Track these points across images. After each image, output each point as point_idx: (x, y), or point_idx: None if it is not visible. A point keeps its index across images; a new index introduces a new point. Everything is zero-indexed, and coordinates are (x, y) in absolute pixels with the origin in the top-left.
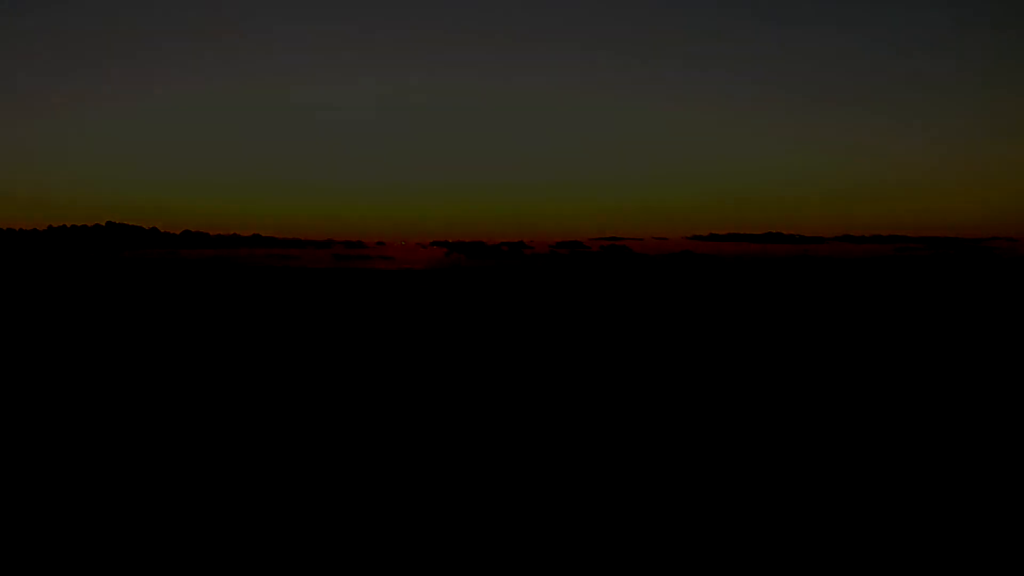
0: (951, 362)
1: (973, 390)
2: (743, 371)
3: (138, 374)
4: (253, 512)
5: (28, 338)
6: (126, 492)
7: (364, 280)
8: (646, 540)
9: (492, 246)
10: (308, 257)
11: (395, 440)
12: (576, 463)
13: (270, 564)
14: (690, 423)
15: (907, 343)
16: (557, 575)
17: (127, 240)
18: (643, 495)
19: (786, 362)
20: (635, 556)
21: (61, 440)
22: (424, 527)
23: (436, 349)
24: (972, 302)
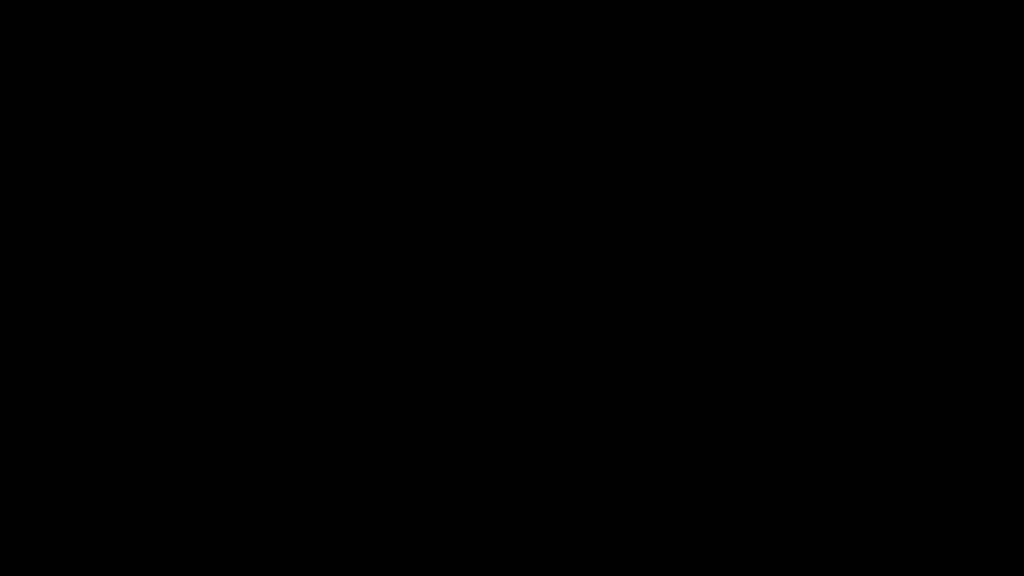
0: (951, 360)
1: (971, 386)
2: (743, 369)
3: (139, 372)
4: (251, 508)
5: (29, 337)
6: (129, 488)
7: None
8: (645, 539)
9: None
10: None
11: (394, 437)
12: (577, 460)
13: (270, 561)
14: (690, 419)
15: (907, 342)
16: (556, 574)
17: (127, 240)
18: (644, 491)
19: (786, 360)
20: (634, 555)
21: (60, 437)
22: (423, 523)
23: (436, 347)
24: (972, 299)
